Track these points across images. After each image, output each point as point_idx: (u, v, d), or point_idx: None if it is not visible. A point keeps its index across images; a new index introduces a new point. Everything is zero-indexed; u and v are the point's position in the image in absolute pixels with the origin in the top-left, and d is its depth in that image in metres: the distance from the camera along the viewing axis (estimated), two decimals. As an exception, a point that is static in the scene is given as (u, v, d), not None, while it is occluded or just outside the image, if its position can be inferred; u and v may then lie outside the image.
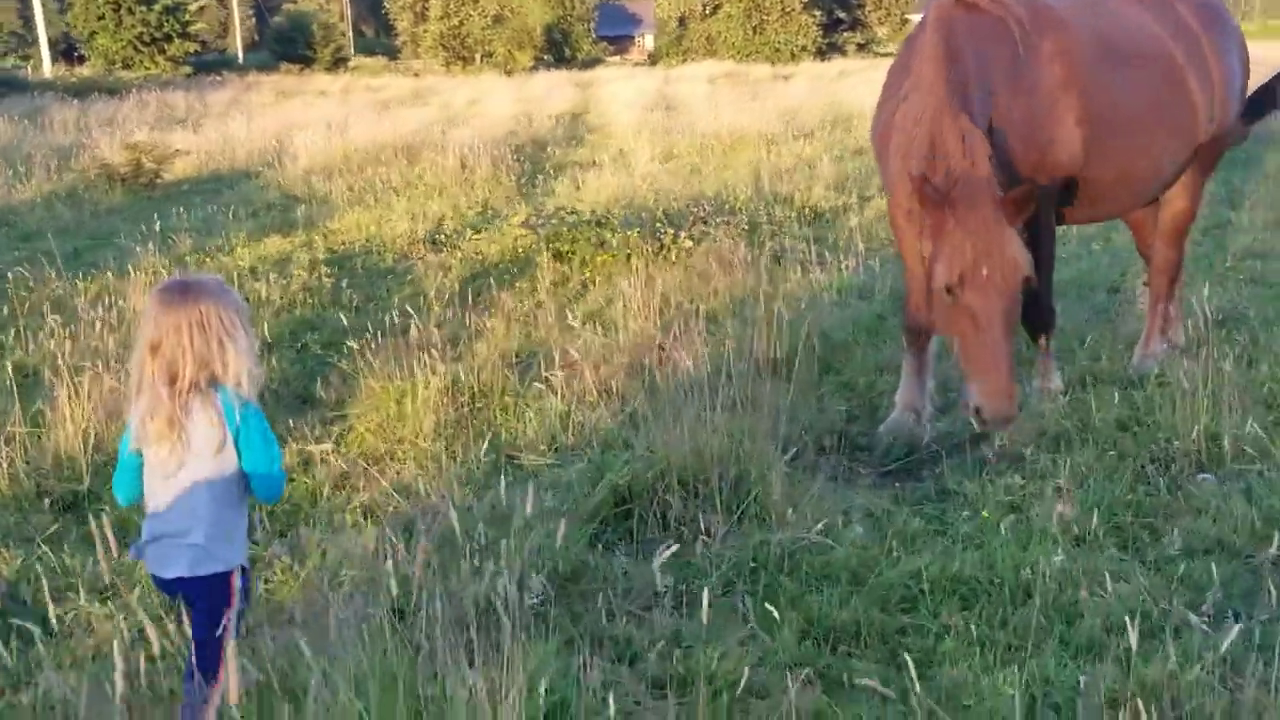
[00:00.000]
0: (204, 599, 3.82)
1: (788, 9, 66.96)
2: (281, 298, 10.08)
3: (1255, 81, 7.98)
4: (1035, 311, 6.68)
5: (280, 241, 13.30)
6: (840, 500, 5.80)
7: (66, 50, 68.33)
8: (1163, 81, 6.80)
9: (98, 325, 8.34)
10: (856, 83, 35.28)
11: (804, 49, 65.87)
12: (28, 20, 75.78)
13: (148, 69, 55.47)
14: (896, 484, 6.19)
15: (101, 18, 58.30)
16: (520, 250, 11.90)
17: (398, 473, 6.30)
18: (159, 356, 3.75)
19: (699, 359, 7.42)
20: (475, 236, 12.78)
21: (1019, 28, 6.30)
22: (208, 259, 12.22)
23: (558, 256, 11.14)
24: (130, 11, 58.14)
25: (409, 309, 8.13)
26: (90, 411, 6.66)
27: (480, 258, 12.06)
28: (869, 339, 8.44)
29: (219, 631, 3.49)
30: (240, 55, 76.16)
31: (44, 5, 60.13)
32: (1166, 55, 6.85)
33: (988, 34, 6.26)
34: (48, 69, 52.63)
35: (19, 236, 14.66)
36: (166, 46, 59.14)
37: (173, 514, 3.81)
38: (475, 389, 7.32)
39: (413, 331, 7.67)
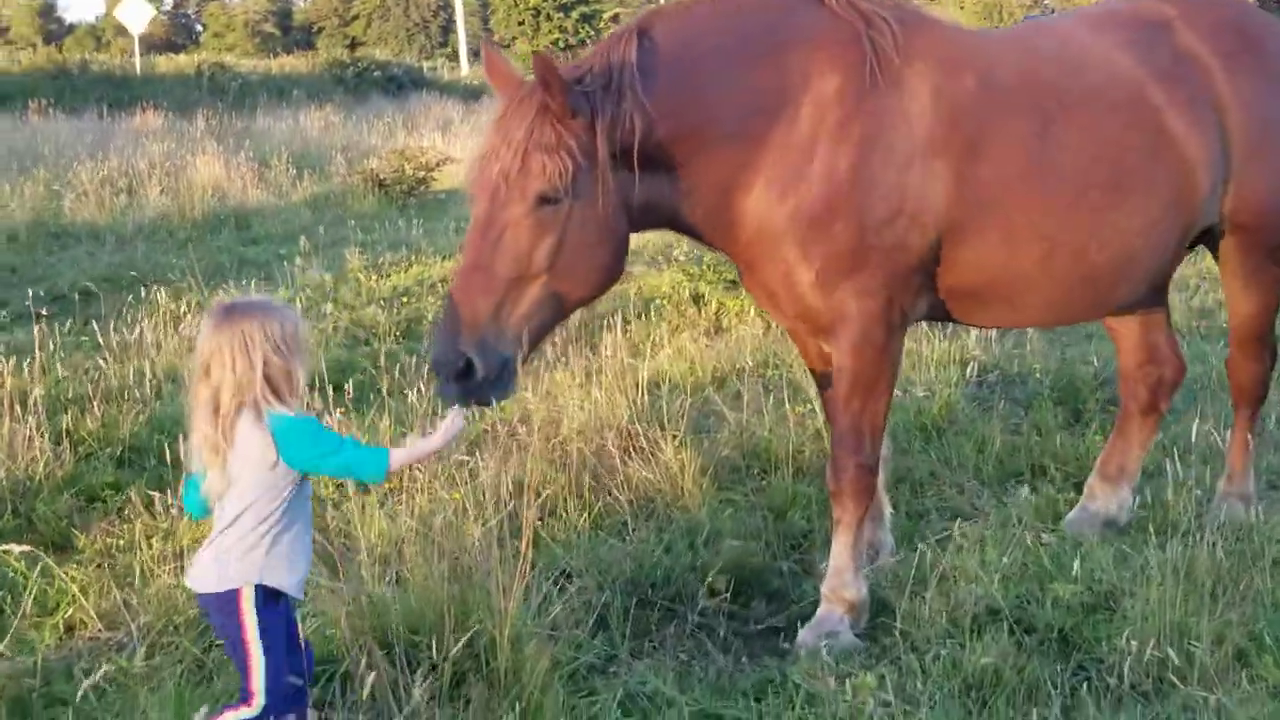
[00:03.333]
0: (216, 615, 3.77)
1: None
2: (336, 331, 9.30)
3: None
4: (839, 456, 4.79)
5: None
6: (618, 684, 4.39)
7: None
8: (1125, 133, 4.82)
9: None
10: None
11: None
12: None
13: (560, 73, 57.01)
14: (746, 658, 4.72)
15: (522, 23, 60.70)
16: (676, 289, 10.62)
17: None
18: (208, 380, 3.66)
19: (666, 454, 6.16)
20: (644, 272, 11.65)
21: (873, 50, 4.50)
22: (369, 278, 11.60)
23: (695, 300, 9.97)
24: (548, 18, 60.22)
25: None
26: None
27: (639, 293, 10.92)
28: (911, 437, 6.79)
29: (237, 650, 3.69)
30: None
31: (466, 7, 63.07)
32: (1134, 98, 4.87)
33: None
34: (465, 69, 54.83)
35: (245, 239, 14.71)
36: (580, 52, 60.71)
37: (215, 534, 3.72)
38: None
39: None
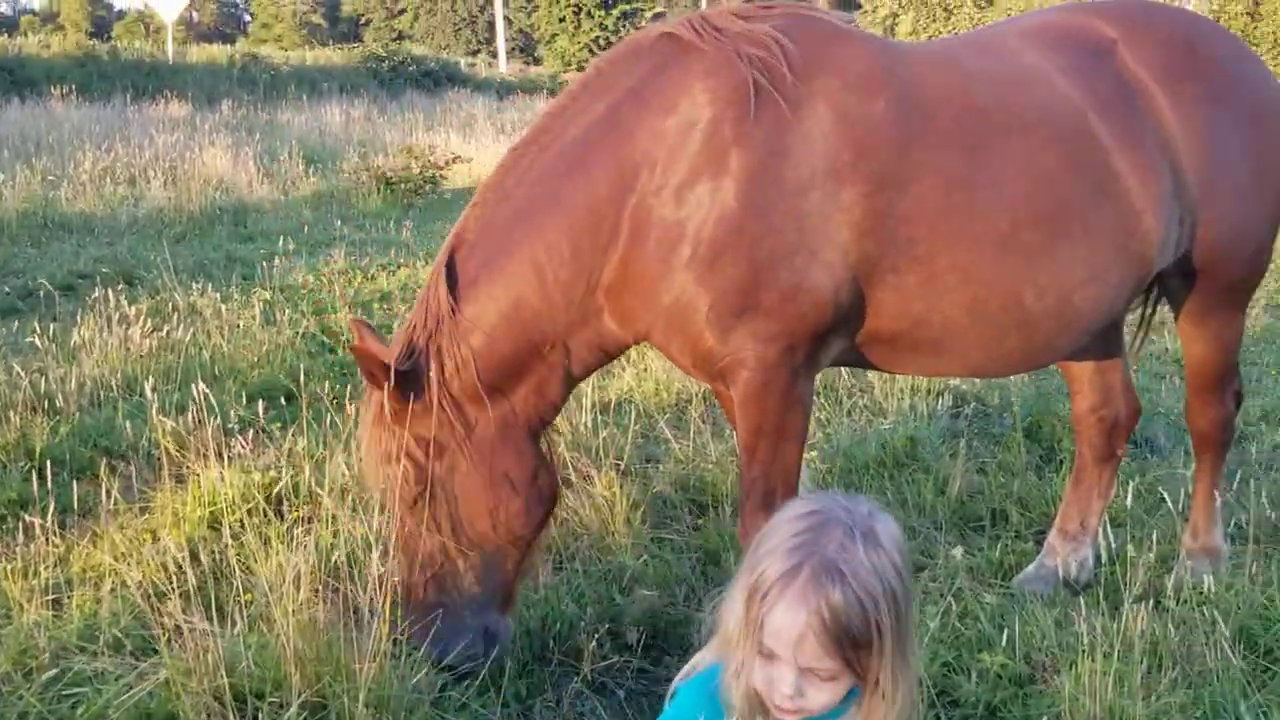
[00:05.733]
0: None
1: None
2: (300, 337, 8.89)
3: None
4: (750, 513, 4.30)
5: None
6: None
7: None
8: (1065, 168, 4.23)
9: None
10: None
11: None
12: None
13: (597, 73, 56.88)
14: (641, 723, 4.31)
15: (563, 19, 60.37)
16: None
17: None
18: None
19: (598, 488, 5.75)
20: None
21: (769, 74, 3.94)
22: (352, 281, 11.18)
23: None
24: (589, 15, 59.83)
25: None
26: None
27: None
28: (866, 473, 6.34)
29: None
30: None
31: (511, 4, 62.85)
32: (1076, 130, 4.28)
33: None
34: (502, 66, 54.66)
35: (240, 236, 14.38)
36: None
37: None
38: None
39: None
